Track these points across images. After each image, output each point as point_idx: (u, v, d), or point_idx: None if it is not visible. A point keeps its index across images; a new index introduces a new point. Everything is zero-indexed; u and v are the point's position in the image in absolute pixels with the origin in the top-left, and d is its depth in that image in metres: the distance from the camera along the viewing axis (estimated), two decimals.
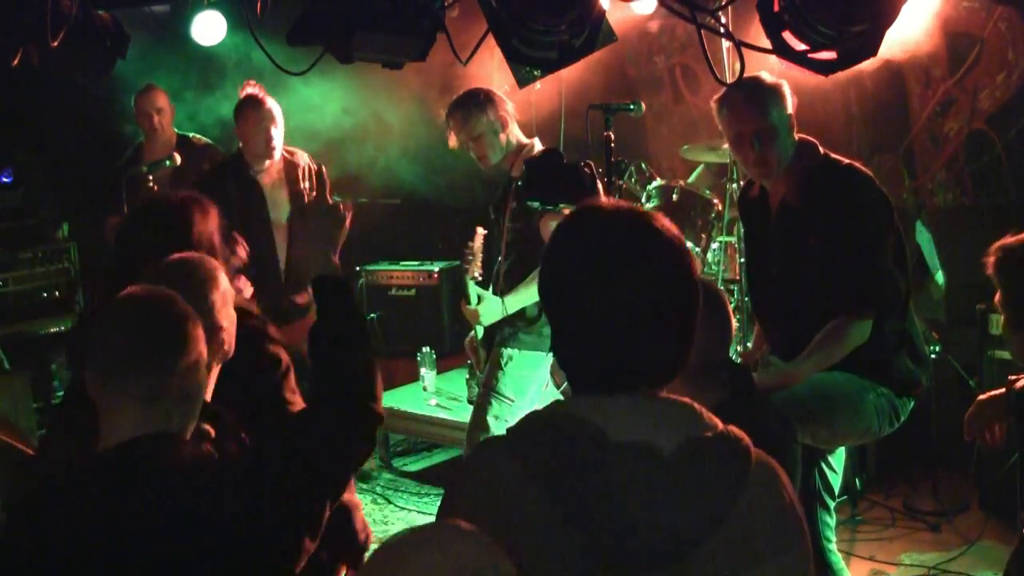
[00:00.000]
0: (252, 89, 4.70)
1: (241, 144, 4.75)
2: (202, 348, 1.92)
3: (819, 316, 3.08)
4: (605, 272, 1.49)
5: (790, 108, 3.14)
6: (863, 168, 3.19)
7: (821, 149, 3.20)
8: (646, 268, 1.50)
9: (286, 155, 4.77)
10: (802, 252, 3.15)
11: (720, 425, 1.52)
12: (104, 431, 1.85)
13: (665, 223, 1.55)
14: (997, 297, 2.74)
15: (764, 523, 1.49)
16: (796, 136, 3.18)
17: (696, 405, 1.54)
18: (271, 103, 4.64)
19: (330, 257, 4.85)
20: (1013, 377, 2.88)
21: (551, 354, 4.14)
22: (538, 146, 4.24)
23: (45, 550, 1.76)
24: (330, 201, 4.89)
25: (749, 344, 4.14)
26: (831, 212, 3.09)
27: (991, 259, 2.71)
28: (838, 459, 3.28)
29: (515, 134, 4.19)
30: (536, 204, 3.44)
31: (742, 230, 4.31)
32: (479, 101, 4.13)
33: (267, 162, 4.68)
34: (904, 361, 3.20)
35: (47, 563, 1.75)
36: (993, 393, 2.92)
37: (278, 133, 4.64)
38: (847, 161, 3.19)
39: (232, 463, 1.97)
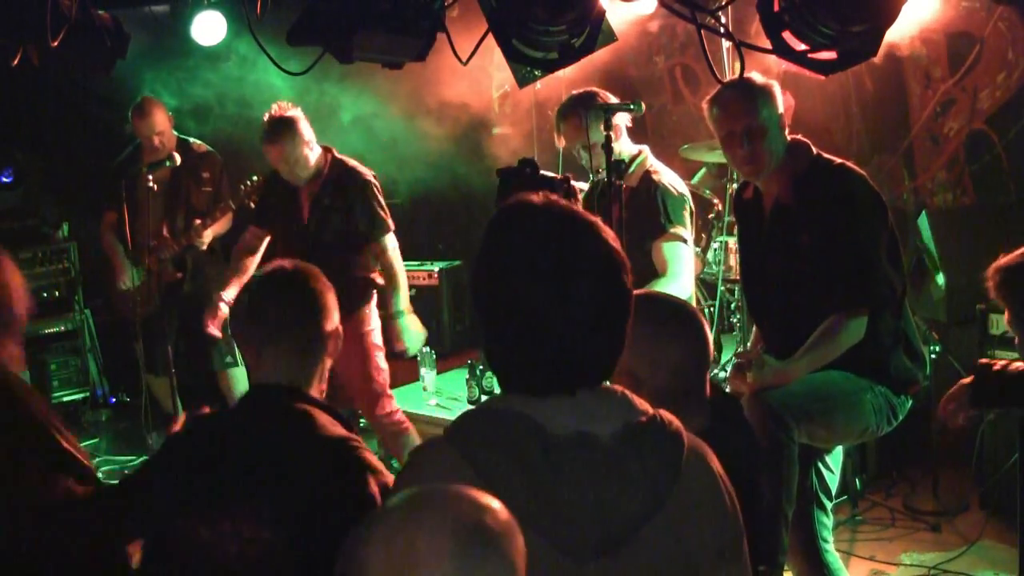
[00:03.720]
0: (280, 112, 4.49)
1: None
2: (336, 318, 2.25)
3: (815, 315, 3.08)
4: (546, 271, 1.47)
5: (780, 108, 3.15)
6: (856, 167, 3.19)
7: (814, 149, 3.21)
8: (587, 268, 1.49)
9: None
10: (797, 251, 3.15)
11: (651, 410, 1.54)
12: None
13: (599, 220, 1.54)
14: (1006, 317, 2.81)
15: (701, 498, 1.54)
16: (788, 136, 3.19)
17: (627, 392, 1.55)
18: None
19: None
20: (984, 362, 2.97)
21: None
22: (651, 158, 3.97)
23: (194, 456, 2.15)
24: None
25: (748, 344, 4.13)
26: (825, 211, 3.09)
27: (992, 283, 2.77)
28: (835, 459, 3.28)
29: (626, 144, 3.90)
30: None
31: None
32: (597, 105, 3.76)
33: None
34: (901, 359, 3.20)
35: (195, 465, 2.12)
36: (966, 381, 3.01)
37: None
38: (839, 161, 3.20)
39: None
